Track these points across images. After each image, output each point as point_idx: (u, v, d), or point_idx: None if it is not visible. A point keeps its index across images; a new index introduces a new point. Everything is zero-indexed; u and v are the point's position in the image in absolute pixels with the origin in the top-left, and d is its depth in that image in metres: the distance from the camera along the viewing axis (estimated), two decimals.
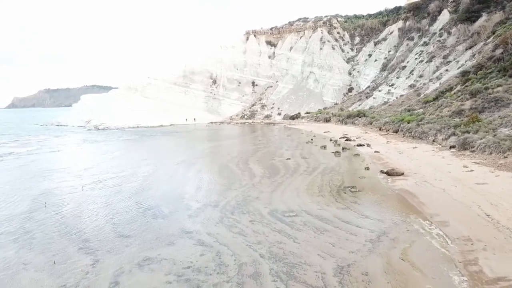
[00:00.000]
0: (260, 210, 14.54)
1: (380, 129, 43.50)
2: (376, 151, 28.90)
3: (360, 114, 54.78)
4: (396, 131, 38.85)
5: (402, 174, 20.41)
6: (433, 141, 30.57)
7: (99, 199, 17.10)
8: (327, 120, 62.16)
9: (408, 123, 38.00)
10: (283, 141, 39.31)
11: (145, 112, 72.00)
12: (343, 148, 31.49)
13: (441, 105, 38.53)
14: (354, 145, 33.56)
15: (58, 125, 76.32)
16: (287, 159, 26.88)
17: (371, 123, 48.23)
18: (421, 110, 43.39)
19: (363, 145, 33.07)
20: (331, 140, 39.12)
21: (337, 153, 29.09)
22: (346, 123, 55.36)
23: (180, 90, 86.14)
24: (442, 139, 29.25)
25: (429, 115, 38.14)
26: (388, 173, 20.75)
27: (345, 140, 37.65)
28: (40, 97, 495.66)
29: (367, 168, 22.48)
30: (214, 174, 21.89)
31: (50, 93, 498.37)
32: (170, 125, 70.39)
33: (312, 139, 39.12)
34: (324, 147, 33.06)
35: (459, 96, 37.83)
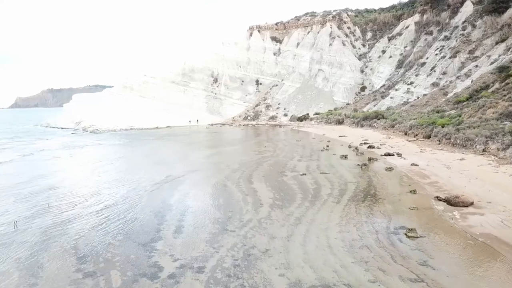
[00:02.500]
0: (273, 285, 8.60)
1: (405, 134, 37.35)
2: (413, 164, 22.84)
3: (378, 115, 48.62)
4: (428, 137, 32.70)
5: (471, 204, 14.35)
6: (484, 150, 24.43)
7: None
8: (340, 122, 56.01)
9: (442, 127, 31.91)
10: (293, 148, 33.29)
11: (140, 113, 66.18)
12: (369, 159, 25.45)
13: (482, 105, 32.33)
14: (381, 154, 27.54)
15: (47, 127, 70.70)
16: (302, 174, 20.90)
17: (392, 126, 42.08)
18: (453, 112, 37.22)
19: (393, 155, 27.05)
20: (350, 147, 33.08)
21: (364, 166, 23.06)
22: (362, 126, 49.21)
23: (179, 89, 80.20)
24: (498, 149, 23.09)
25: (468, 117, 31.96)
26: (450, 202, 14.74)
27: (368, 148, 31.59)
28: (43, 97, 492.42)
29: (414, 192, 16.49)
30: (206, 201, 15.89)
31: (53, 93, 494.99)
32: (167, 127, 64.47)
33: (327, 146, 33.07)
34: (345, 156, 27.03)
35: (505, 95, 31.65)
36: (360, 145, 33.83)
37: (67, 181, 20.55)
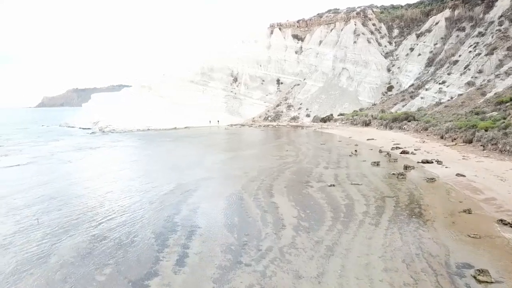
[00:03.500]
0: None
1: (442, 138, 33.94)
2: (458, 174, 19.76)
3: (408, 117, 45.12)
4: (469, 141, 29.31)
5: None
6: None
7: None
8: (366, 124, 52.67)
9: (485, 130, 28.48)
10: (318, 153, 30.50)
11: (158, 113, 64.53)
12: (406, 167, 22.46)
13: None
14: (418, 162, 24.48)
15: (66, 126, 70.06)
16: (330, 185, 18.17)
17: (426, 129, 38.63)
18: (495, 113, 33.59)
19: (431, 162, 23.97)
20: (381, 151, 30.05)
21: (400, 176, 20.13)
22: (391, 128, 45.81)
23: (197, 88, 78.31)
24: None
25: None
26: None
27: (401, 153, 28.49)
28: (68, 96, 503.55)
29: (468, 212, 13.64)
30: (217, 220, 13.40)
31: (78, 93, 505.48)
32: (185, 127, 62.60)
33: (356, 151, 30.10)
34: (377, 163, 24.09)
35: None
36: (392, 149, 30.74)
37: (69, 191, 18.47)
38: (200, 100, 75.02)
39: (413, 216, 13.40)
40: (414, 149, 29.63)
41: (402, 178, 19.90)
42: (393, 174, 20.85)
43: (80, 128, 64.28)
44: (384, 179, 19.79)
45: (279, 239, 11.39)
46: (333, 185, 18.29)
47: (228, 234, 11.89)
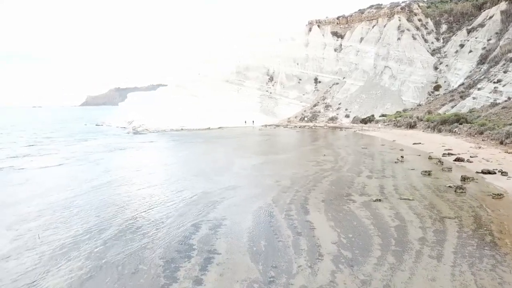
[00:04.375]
0: None
1: (501, 143, 30.02)
2: None
3: (460, 119, 40.96)
4: None
5: None
6: None
7: None
8: (411, 126, 48.75)
9: None
10: (359, 158, 27.68)
11: (192, 113, 63.59)
12: (464, 178, 19.34)
13: None
14: (477, 172, 21.20)
15: (102, 125, 70.93)
16: (376, 200, 15.55)
17: (481, 133, 34.63)
18: None
19: (494, 173, 20.65)
20: (430, 158, 26.80)
21: (459, 190, 17.09)
22: (440, 131, 41.82)
23: (232, 88, 76.83)
24: None
25: None
26: None
27: (455, 161, 25.14)
28: (111, 95, 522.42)
29: None
30: (241, 243, 11.20)
31: (119, 92, 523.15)
32: (219, 128, 61.20)
33: (402, 157, 26.97)
34: (428, 173, 21.05)
35: None
36: (443, 156, 27.40)
37: (82, 200, 17.04)
38: (235, 100, 73.51)
39: (486, 247, 10.61)
40: (470, 156, 26.10)
41: (461, 192, 16.87)
42: (449, 187, 17.84)
43: (115, 127, 64.66)
44: (439, 193, 16.86)
45: (314, 275, 9.06)
46: (379, 200, 15.65)
47: (251, 264, 9.70)
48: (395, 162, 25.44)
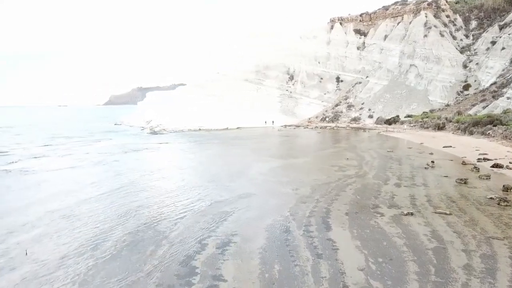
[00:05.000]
0: None
1: None
2: None
3: (493, 120, 38.15)
4: None
5: None
6: None
7: None
8: (440, 128, 46.03)
9: None
10: (385, 163, 25.66)
11: (210, 113, 62.50)
12: (507, 189, 17.21)
13: None
14: None
15: (120, 125, 70.77)
16: (407, 214, 13.71)
17: None
18: None
19: None
20: (464, 163, 24.54)
21: (503, 203, 15.01)
22: (471, 133, 39.09)
23: (251, 87, 75.36)
24: None
25: None
26: None
27: (492, 167, 22.84)
28: (133, 95, 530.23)
29: None
30: (250, 268, 9.62)
31: (142, 91, 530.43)
32: (237, 128, 59.84)
33: (432, 162, 24.79)
34: (464, 181, 18.93)
35: None
36: (478, 161, 25.07)
37: (88, 206, 15.87)
38: (254, 99, 72.04)
39: None
40: (510, 162, 23.73)
41: (506, 205, 14.80)
42: (490, 198, 15.77)
43: (133, 126, 64.26)
44: (479, 206, 14.83)
45: None
46: (411, 214, 13.78)
47: None
48: (425, 167, 23.34)
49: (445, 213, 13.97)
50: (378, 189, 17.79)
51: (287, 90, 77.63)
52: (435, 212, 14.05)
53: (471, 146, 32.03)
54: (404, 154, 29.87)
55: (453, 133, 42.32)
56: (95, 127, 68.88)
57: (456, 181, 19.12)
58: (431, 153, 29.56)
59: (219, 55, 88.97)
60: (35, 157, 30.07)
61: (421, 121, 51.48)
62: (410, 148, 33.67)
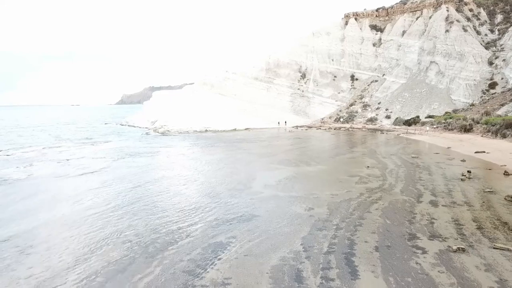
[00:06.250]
0: None
1: None
2: None
3: None
4: None
5: None
6: None
7: None
8: (466, 129, 42.05)
9: None
10: (413, 172, 22.14)
11: (217, 113, 59.43)
12: None
13: None
14: None
15: (125, 125, 68.25)
16: (457, 250, 10.34)
17: None
18: None
19: None
20: (507, 174, 20.87)
21: None
22: (504, 136, 35.10)
23: (262, 86, 72.08)
24: None
25: None
26: None
27: None
28: (145, 94, 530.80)
29: None
30: None
31: (153, 90, 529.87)
32: (246, 129, 56.66)
33: (469, 172, 21.20)
34: None
35: None
36: None
37: (45, 231, 12.91)
38: (264, 98, 68.79)
39: None
40: None
41: None
42: None
43: (137, 127, 61.63)
44: None
45: None
46: (462, 250, 10.41)
47: None
48: (461, 179, 19.80)
49: (506, 248, 10.57)
50: (411, 210, 14.40)
51: (298, 89, 74.13)
52: (494, 248, 10.64)
53: (508, 151, 28.25)
54: (432, 161, 26.25)
55: (482, 136, 38.37)
56: (99, 127, 66.51)
57: (505, 199, 15.62)
58: (463, 160, 25.91)
59: (229, 52, 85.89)
60: (23, 162, 27.42)
61: (444, 122, 47.50)
62: (437, 153, 30.00)
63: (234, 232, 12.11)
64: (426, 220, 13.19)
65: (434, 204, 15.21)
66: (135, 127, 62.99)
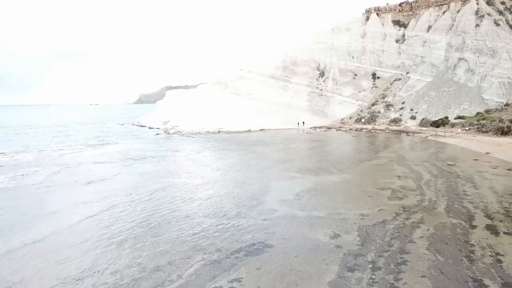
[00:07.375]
0: None
1: None
2: None
3: None
4: None
5: None
6: None
7: None
8: (503, 132, 38.20)
9: None
10: (454, 184, 18.91)
11: (232, 113, 56.78)
12: None
13: None
14: None
15: (137, 125, 66.39)
16: None
17: None
18: None
19: None
20: None
21: None
22: None
23: (278, 85, 69.11)
24: None
25: None
26: None
27: None
28: (162, 93, 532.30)
29: None
30: None
31: (170, 90, 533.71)
32: (260, 130, 53.84)
33: None
34: None
35: None
36: None
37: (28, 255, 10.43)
38: (280, 98, 65.83)
39: None
40: None
41: None
42: None
43: (149, 127, 59.60)
44: None
45: None
46: None
47: None
48: None
49: None
50: (465, 239, 11.32)
51: (317, 87, 70.84)
52: None
53: None
54: (472, 169, 22.87)
55: None
56: (111, 128, 64.84)
57: None
58: (510, 169, 22.47)
59: (244, 50, 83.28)
60: (18, 165, 25.37)
61: (477, 124, 43.62)
62: (475, 160, 26.53)
63: (239, 271, 9.32)
64: (490, 256, 10.13)
65: (493, 230, 12.08)
66: (146, 127, 60.98)
